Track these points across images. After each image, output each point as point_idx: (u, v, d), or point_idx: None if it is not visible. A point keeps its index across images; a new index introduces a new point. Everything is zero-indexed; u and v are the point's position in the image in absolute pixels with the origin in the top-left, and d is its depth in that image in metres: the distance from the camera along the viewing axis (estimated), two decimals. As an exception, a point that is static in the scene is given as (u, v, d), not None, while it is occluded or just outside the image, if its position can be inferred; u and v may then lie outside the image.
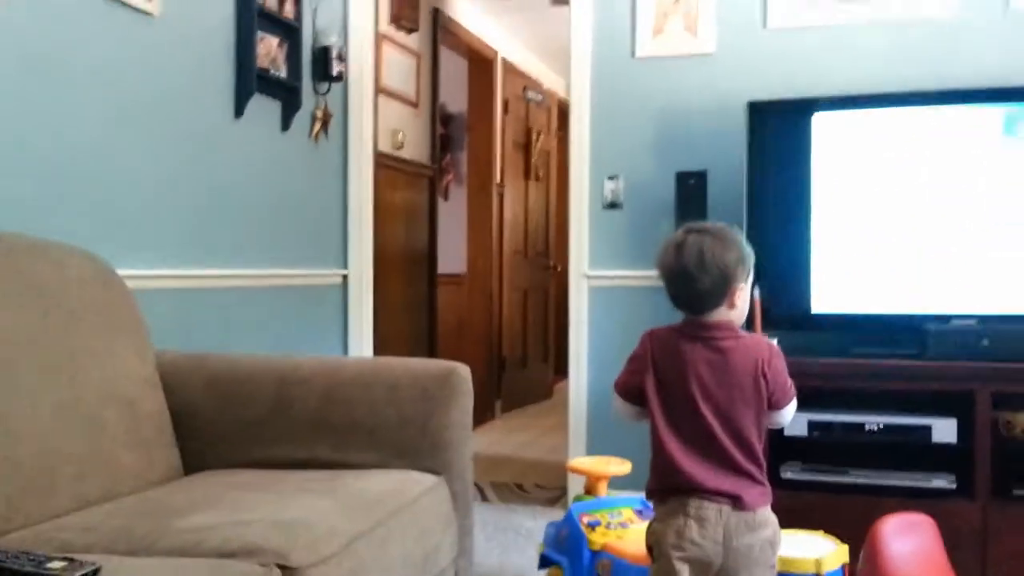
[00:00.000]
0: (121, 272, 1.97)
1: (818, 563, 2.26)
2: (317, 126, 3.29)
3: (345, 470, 1.78)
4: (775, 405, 1.62)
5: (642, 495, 1.72)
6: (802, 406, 2.69)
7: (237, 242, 2.84)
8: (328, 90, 3.33)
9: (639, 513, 2.21)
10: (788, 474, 2.71)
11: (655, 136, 3.39)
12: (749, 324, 2.79)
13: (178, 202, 2.55)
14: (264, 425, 1.89)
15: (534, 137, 6.12)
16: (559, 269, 6.27)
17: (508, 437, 5.02)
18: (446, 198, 5.57)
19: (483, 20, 5.45)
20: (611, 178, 3.45)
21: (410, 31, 4.39)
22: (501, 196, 5.70)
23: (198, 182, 2.64)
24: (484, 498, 3.61)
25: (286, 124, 3.11)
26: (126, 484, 1.65)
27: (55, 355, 1.61)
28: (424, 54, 4.68)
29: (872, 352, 2.74)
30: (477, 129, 5.61)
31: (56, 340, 1.63)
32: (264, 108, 2.97)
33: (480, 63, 5.57)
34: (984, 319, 2.68)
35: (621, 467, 2.34)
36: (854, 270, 2.82)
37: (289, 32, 3.06)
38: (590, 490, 2.34)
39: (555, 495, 3.64)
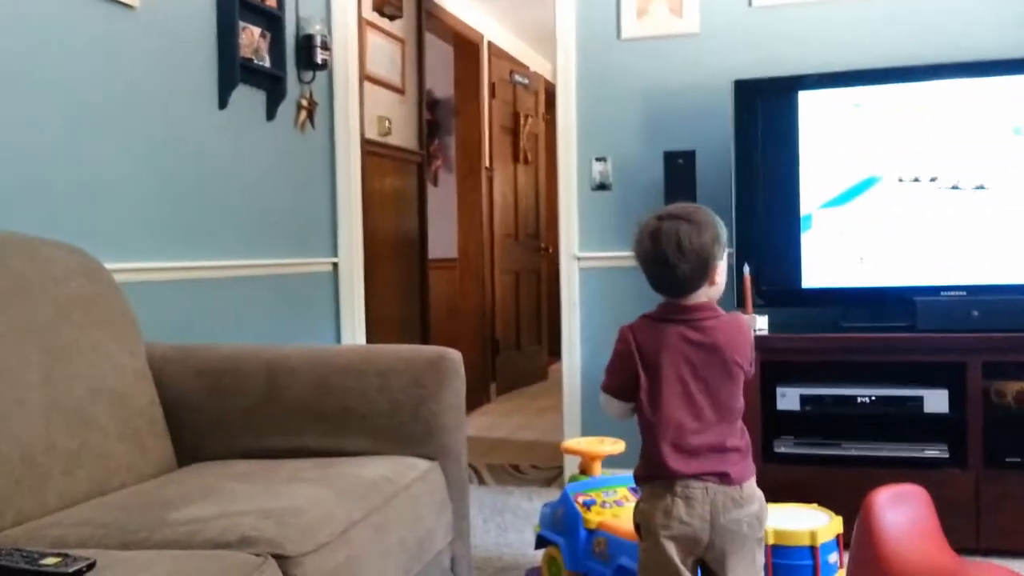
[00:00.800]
0: (108, 266, 1.96)
1: (813, 535, 2.28)
2: (303, 115, 3.27)
3: (339, 458, 1.78)
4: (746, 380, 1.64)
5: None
6: (794, 381, 2.74)
7: (225, 233, 2.83)
8: (313, 79, 3.31)
9: (634, 491, 2.22)
10: (781, 448, 2.72)
11: (642, 117, 3.39)
12: (740, 302, 2.82)
13: (164, 194, 2.54)
14: (256, 415, 1.89)
15: (522, 120, 6.10)
16: (550, 251, 6.27)
17: (504, 420, 5.04)
18: (435, 183, 5.56)
19: (468, 4, 5.41)
20: (599, 159, 3.45)
21: (393, 18, 4.37)
22: (490, 180, 5.68)
23: (184, 174, 2.63)
24: (481, 481, 3.62)
25: (271, 114, 3.09)
26: (119, 477, 1.65)
27: (42, 351, 1.60)
28: (409, 40, 4.65)
29: (863, 326, 2.76)
30: (464, 114, 5.59)
31: (43, 336, 1.62)
32: (248, 98, 2.96)
33: (466, 47, 5.55)
34: (973, 290, 2.70)
35: (615, 447, 2.35)
36: (843, 245, 2.83)
37: (271, 21, 3.04)
38: (585, 470, 2.35)
39: (551, 476, 3.65)
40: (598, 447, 2.36)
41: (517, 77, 6.08)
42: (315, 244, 3.42)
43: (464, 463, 1.90)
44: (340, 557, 1.36)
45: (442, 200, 5.52)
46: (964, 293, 2.70)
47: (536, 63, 6.61)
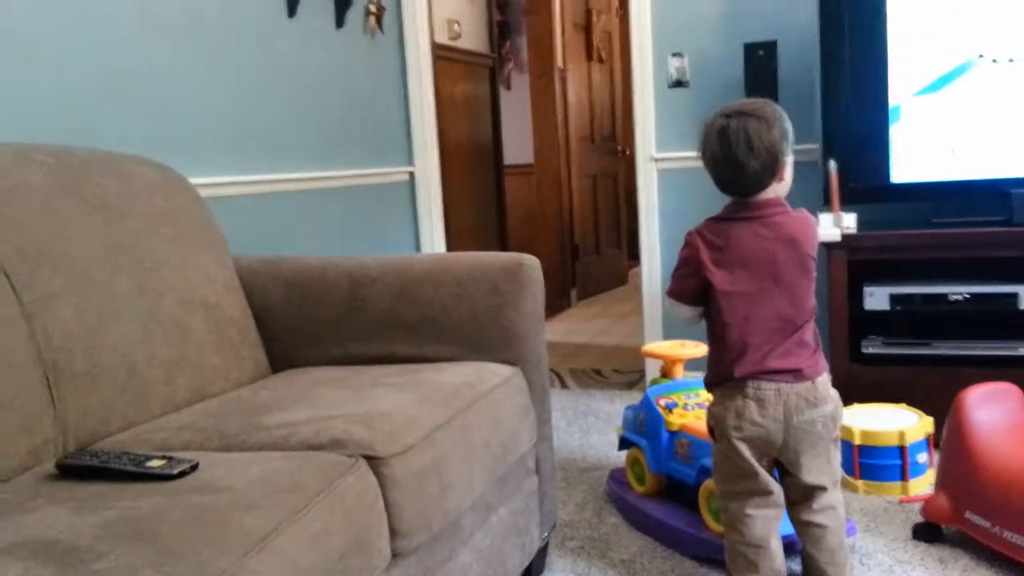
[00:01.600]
0: (192, 181, 2.00)
1: (901, 435, 2.26)
2: (371, 20, 3.24)
3: (422, 364, 1.81)
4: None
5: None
6: (883, 279, 2.66)
7: (301, 144, 2.85)
8: (381, -18, 3.26)
9: (716, 393, 2.21)
10: (869, 349, 2.67)
11: (720, 8, 3.25)
12: (827, 199, 2.73)
13: (239, 107, 2.56)
14: (341, 323, 1.93)
15: (595, 17, 5.92)
16: (627, 153, 6.16)
17: (585, 325, 5.06)
18: (508, 87, 5.48)
19: None
20: (675, 55, 3.34)
21: (460, -86, 4.25)
22: (564, 81, 5.57)
23: (257, 86, 2.64)
24: (563, 385, 3.67)
25: (340, 20, 3.07)
26: (216, 385, 1.72)
27: (135, 266, 1.65)
28: (477, -62, 4.52)
29: (955, 221, 2.65)
30: (535, 13, 5.45)
31: (134, 251, 1.67)
32: (317, 5, 2.94)
33: (535, -57, 5.37)
34: (1077, 179, 2.55)
35: (696, 350, 2.34)
36: (935, 136, 2.69)
37: (336, -76, 2.99)
38: (666, 373, 2.35)
39: (633, 379, 3.67)
40: (679, 350, 2.36)
41: (589, -28, 5.88)
42: (391, 153, 3.42)
43: (545, 368, 1.91)
44: (427, 458, 1.39)
45: (515, 104, 5.45)
46: (1067, 184, 2.56)
47: (609, -43, 6.37)
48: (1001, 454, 1.90)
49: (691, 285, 1.61)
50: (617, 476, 2.35)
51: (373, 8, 3.23)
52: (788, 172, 1.58)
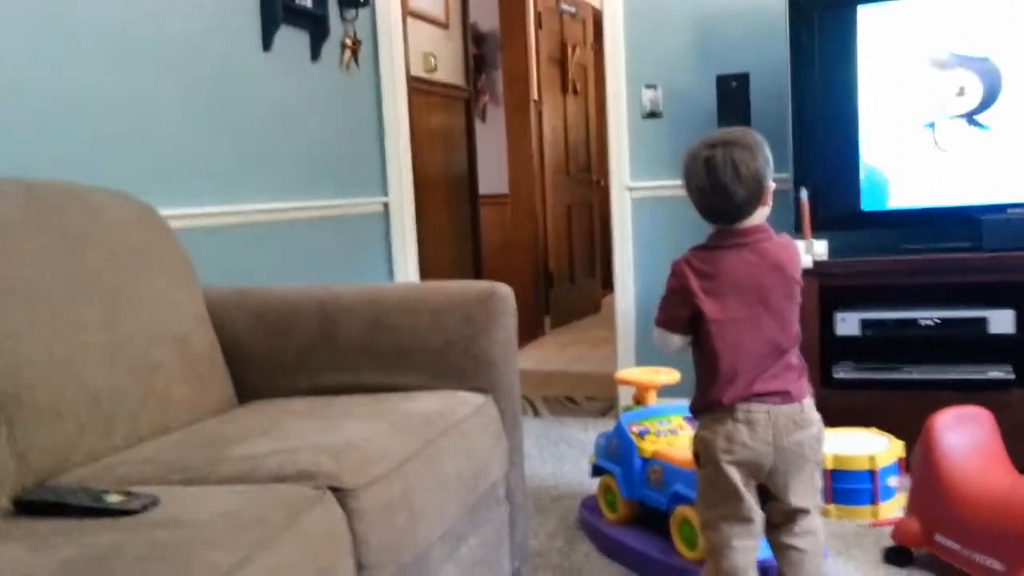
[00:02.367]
0: (162, 212, 1.99)
1: (872, 459, 2.27)
2: (347, 54, 3.25)
3: (393, 393, 1.80)
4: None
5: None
6: (853, 306, 2.68)
7: (275, 176, 2.85)
8: (356, 16, 3.28)
9: (688, 420, 2.21)
10: (840, 374, 2.69)
11: (693, 40, 3.29)
12: (798, 227, 2.76)
13: (214, 139, 2.56)
14: (312, 354, 1.92)
15: (570, 51, 5.98)
16: (602, 183, 6.20)
17: (558, 352, 5.06)
18: (484, 119, 5.52)
19: (509, -69, 5.29)
20: (649, 87, 3.38)
21: (435, -52, 4.29)
22: (539, 113, 5.61)
23: (232, 118, 2.64)
24: (536, 413, 3.66)
25: (316, 54, 3.08)
26: (181, 418, 1.69)
27: (103, 299, 1.64)
28: (451, -28, 4.57)
29: (925, 247, 2.68)
30: (511, 47, 5.50)
31: (102, 284, 1.65)
32: (292, 39, 2.95)
33: (509, -23, 5.43)
34: (1042, 206, 2.60)
35: (669, 376, 2.34)
36: (904, 165, 2.74)
37: (311, -41, 3.01)
38: (639, 400, 2.36)
39: (606, 407, 3.67)
40: (652, 377, 2.36)
41: (564, 6, 5.94)
42: (365, 184, 3.42)
43: (517, 396, 1.91)
44: (396, 489, 1.38)
45: (491, 136, 5.48)
46: (1032, 210, 2.60)
47: (583, -10, 6.45)
48: (971, 477, 1.91)
49: (681, 314, 1.61)
50: (589, 504, 2.35)
51: (349, 42, 3.25)
52: (770, 196, 1.61)
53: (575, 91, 6.14)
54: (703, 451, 1.62)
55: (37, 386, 1.43)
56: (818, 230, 2.76)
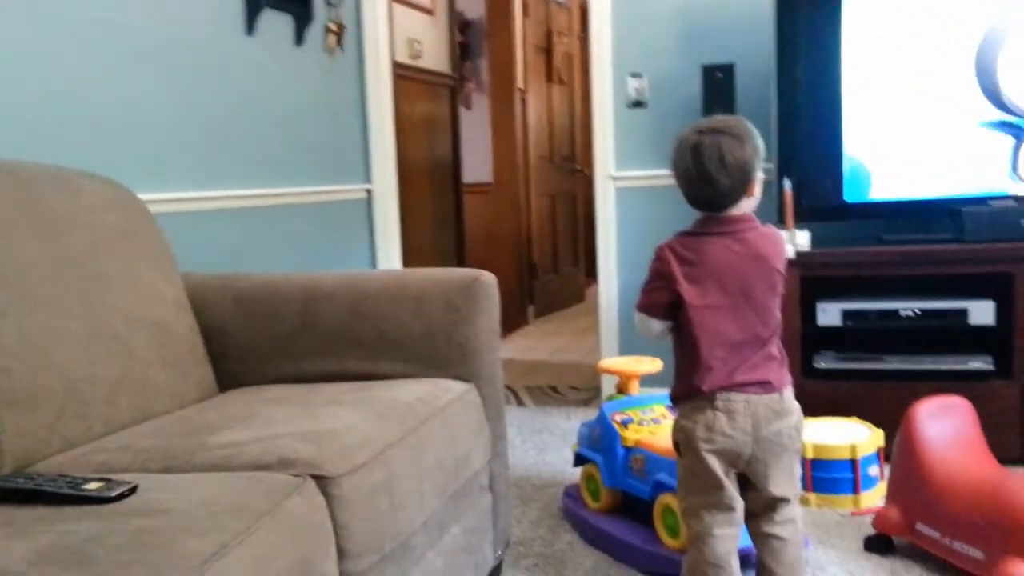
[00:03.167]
0: (142, 197, 1.97)
1: (853, 448, 2.28)
2: (331, 39, 3.22)
3: (375, 381, 1.79)
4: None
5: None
6: (835, 296, 2.69)
7: (258, 161, 2.82)
8: (340, 1, 3.25)
9: (670, 409, 2.21)
10: (821, 364, 2.70)
11: (679, 30, 3.29)
12: (781, 217, 2.76)
13: (196, 124, 2.53)
14: (294, 341, 1.90)
15: (555, 40, 5.96)
16: (586, 173, 6.19)
17: (542, 342, 5.06)
18: (468, 107, 5.49)
19: (495, -82, 5.26)
20: (635, 76, 3.37)
21: (420, -66, 4.26)
22: (524, 102, 5.59)
23: (214, 102, 2.61)
24: (519, 402, 3.66)
25: (299, 38, 3.05)
26: (161, 404, 1.68)
27: (81, 283, 1.62)
28: (436, -43, 4.54)
29: (907, 239, 2.70)
30: (496, 35, 5.47)
31: (81, 268, 1.63)
32: (276, 23, 2.92)
33: (495, -36, 5.40)
34: (1022, 199, 2.61)
35: (652, 365, 2.34)
36: (887, 157, 2.74)
37: (294, -59, 2.98)
38: (622, 389, 2.36)
39: (589, 396, 3.67)
40: (635, 366, 2.36)
41: (549, -6, 5.92)
42: (348, 171, 3.40)
43: (500, 384, 1.90)
44: (377, 477, 1.37)
45: (475, 124, 5.46)
46: (1013, 202, 2.61)
47: (569, -22, 6.43)
48: (951, 466, 1.92)
49: (662, 299, 1.60)
50: (572, 493, 2.35)
51: (333, 27, 3.22)
52: (758, 188, 1.60)
53: (560, 80, 6.12)
54: (683, 440, 1.62)
55: (13, 371, 1.41)
56: (801, 220, 2.77)
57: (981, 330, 2.58)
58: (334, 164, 3.30)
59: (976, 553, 1.79)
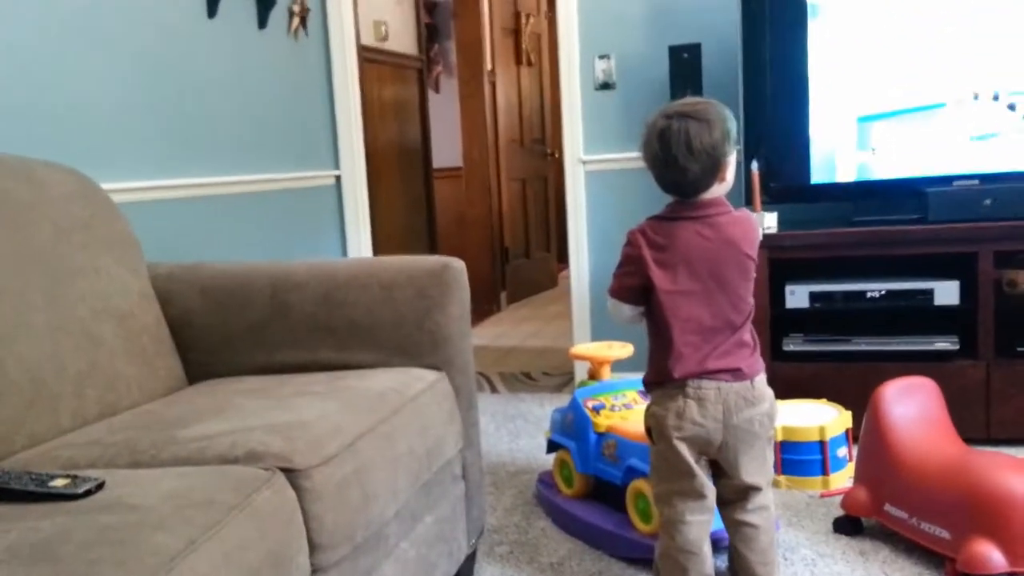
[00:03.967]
0: (104, 186, 1.93)
1: (821, 430, 2.30)
2: (295, 22, 3.18)
3: (346, 371, 1.78)
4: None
5: (645, 376, 1.73)
6: (803, 278, 2.71)
7: (222, 148, 2.78)
8: (303, -17, 3.21)
9: (642, 394, 2.22)
10: (790, 347, 2.72)
11: (646, 10, 3.28)
12: (748, 199, 2.77)
13: (157, 110, 2.49)
14: (263, 331, 1.88)
15: (523, 21, 5.93)
16: (557, 156, 6.18)
17: (515, 328, 5.06)
18: (437, 90, 5.46)
19: (462, -102, 5.21)
20: (602, 57, 3.36)
21: (385, -85, 4.21)
22: (493, 85, 5.56)
23: (176, 88, 2.57)
24: (492, 389, 3.66)
25: (263, 21, 3.01)
26: (129, 397, 1.66)
27: (44, 274, 1.59)
28: (402, -61, 4.49)
29: (873, 220, 2.72)
30: (464, 15, 5.44)
31: (44, 259, 1.61)
32: (238, 6, 2.87)
33: (462, -55, 5.36)
34: (987, 178, 2.64)
35: (623, 351, 2.35)
36: (854, 138, 2.76)
37: (256, -77, 2.93)
38: (594, 375, 2.36)
39: (563, 382, 3.68)
40: (606, 352, 2.36)
41: (517, -25, 5.88)
42: (316, 157, 3.37)
43: (471, 372, 1.90)
44: (348, 468, 1.37)
45: (445, 107, 5.43)
46: (977, 182, 2.64)
47: (536, -40, 6.39)
48: (918, 447, 1.95)
49: (633, 283, 1.60)
50: (546, 479, 2.35)
51: (297, 9, 3.18)
52: (730, 172, 1.58)
53: (529, 62, 6.09)
54: (655, 427, 1.62)
55: (-25, 366, 1.39)
56: (769, 202, 2.78)
57: (946, 310, 2.61)
58: (301, 150, 3.26)
59: (943, 533, 1.82)
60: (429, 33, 5.17)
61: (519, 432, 3.00)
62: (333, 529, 1.30)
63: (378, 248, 3.67)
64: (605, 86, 3.37)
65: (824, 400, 2.51)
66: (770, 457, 1.66)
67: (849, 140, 2.77)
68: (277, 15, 3.07)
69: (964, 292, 2.58)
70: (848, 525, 2.06)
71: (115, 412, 1.61)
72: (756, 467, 1.62)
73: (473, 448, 1.91)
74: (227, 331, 1.91)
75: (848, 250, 2.67)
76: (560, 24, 3.37)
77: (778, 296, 2.71)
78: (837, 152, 2.78)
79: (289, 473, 1.27)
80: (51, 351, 1.53)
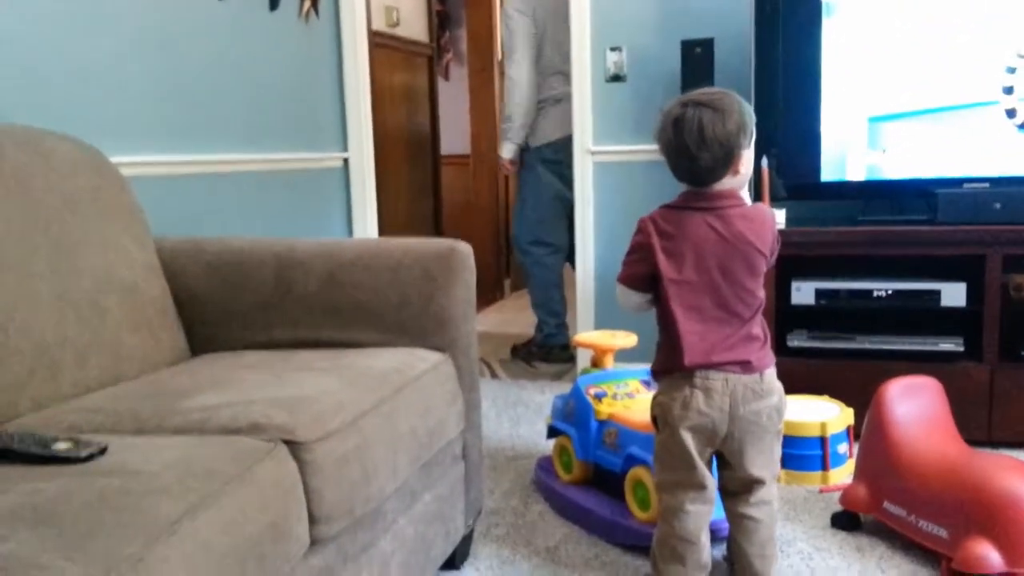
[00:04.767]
0: (112, 160, 1.93)
1: (823, 426, 2.30)
2: (306, 5, 3.17)
3: (349, 349, 1.78)
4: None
5: (648, 366, 1.72)
6: (809, 275, 2.71)
7: (232, 127, 2.78)
8: (317, -35, 3.20)
9: (645, 384, 2.23)
10: (794, 342, 2.72)
11: (659, 3, 3.27)
12: (758, 195, 2.77)
13: (167, 88, 2.49)
14: (267, 308, 1.88)
15: (536, 11, 5.90)
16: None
17: (517, 315, 5.05)
18: (447, 78, 5.45)
19: None
20: (614, 49, 3.35)
21: (401, -101, 4.20)
22: (503, 74, 5.54)
23: (186, 67, 2.56)
24: (494, 375, 3.66)
25: (274, 3, 3.00)
26: (132, 367, 1.66)
27: (50, 244, 1.59)
28: (417, -76, 4.48)
29: (882, 219, 2.71)
30: (475, 4, 5.42)
31: (50, 229, 1.60)
32: (250, -14, 2.87)
33: (476, -68, 5.34)
34: (997, 181, 2.63)
35: (627, 340, 2.35)
36: (865, 137, 2.75)
37: (272, -98, 2.92)
38: (597, 363, 2.36)
39: (564, 370, 3.68)
40: (609, 340, 2.36)
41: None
42: (325, 139, 3.36)
43: (474, 355, 1.90)
44: (350, 444, 1.37)
45: (454, 94, 5.42)
46: (987, 185, 2.63)
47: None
48: (919, 446, 1.95)
49: (641, 271, 1.59)
50: (544, 464, 2.35)
51: (308, -9, 3.17)
52: (744, 165, 1.56)
53: (540, 53, 6.07)
54: (660, 415, 1.62)
55: (-19, 331, 1.39)
56: (778, 198, 2.77)
57: (952, 312, 2.60)
58: (310, 132, 3.26)
59: (941, 532, 1.81)
60: (440, 20, 5.16)
61: (519, 419, 3.00)
62: (333, 503, 1.31)
63: (384, 232, 3.67)
64: (616, 78, 3.36)
65: (826, 396, 2.51)
66: (777, 452, 1.65)
67: (860, 140, 2.76)
68: (289, -4, 3.07)
69: (971, 294, 2.57)
70: (846, 520, 2.06)
71: (117, 381, 1.61)
72: (763, 461, 1.61)
73: (474, 429, 1.91)
74: (231, 306, 1.91)
75: (856, 248, 2.67)
76: (572, 16, 3.36)
77: (784, 292, 2.71)
78: (848, 151, 2.77)
79: (291, 446, 1.27)
80: (56, 320, 1.53)
